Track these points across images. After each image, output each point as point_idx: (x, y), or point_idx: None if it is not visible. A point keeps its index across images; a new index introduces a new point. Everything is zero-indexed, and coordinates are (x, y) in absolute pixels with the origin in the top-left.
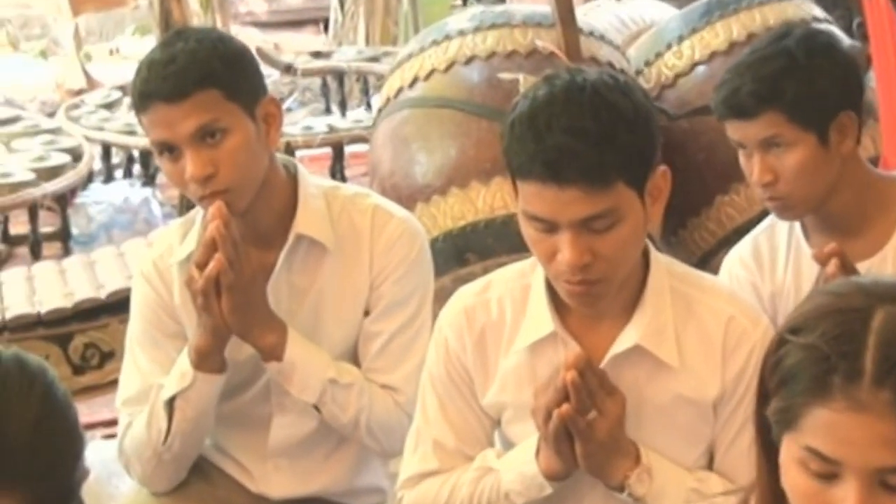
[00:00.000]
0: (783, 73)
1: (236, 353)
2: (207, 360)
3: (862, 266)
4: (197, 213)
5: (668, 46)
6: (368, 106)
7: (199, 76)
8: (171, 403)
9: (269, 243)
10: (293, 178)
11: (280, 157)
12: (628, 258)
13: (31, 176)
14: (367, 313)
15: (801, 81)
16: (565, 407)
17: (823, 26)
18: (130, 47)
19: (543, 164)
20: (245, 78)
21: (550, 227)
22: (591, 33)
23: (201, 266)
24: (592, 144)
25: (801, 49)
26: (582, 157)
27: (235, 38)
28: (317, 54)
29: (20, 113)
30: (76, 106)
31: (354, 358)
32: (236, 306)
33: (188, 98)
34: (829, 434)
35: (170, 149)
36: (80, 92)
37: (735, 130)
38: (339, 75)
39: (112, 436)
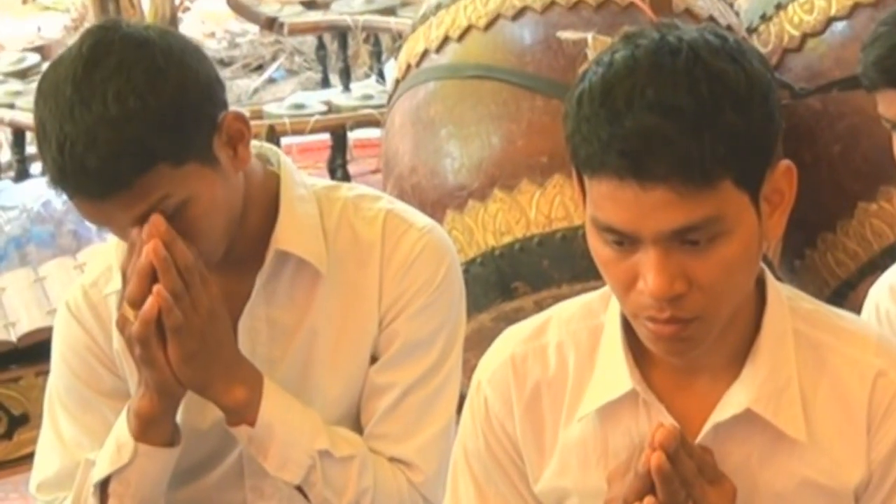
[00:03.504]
0: None
1: (197, 418)
2: (152, 428)
3: None
4: None
5: None
6: (381, 76)
7: (136, 164)
8: (104, 487)
9: (240, 265)
10: (274, 177)
11: (256, 145)
12: (736, 288)
13: None
14: (374, 359)
15: None
16: (650, 501)
17: None
18: None
19: (621, 153)
20: (194, 120)
21: (630, 243)
22: None
23: (135, 303)
24: (689, 128)
25: None
26: (674, 144)
27: (172, 52)
28: (310, 4)
29: None
30: None
31: (356, 421)
32: (189, 355)
33: (125, 189)
34: None
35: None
36: None
37: (889, 104)
38: (341, 33)
39: None
